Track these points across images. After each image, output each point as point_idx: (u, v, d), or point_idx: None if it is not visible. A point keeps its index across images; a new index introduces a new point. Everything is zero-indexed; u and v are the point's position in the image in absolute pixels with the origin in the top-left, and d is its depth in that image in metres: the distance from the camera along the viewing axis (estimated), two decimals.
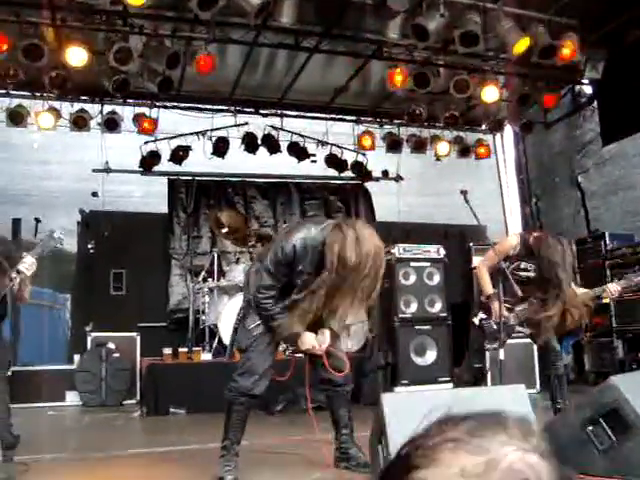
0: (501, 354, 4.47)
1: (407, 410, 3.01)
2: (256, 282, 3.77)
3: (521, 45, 7.62)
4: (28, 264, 4.04)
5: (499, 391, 3.47)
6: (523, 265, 4.89)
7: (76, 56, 7.61)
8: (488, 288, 4.93)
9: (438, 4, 7.21)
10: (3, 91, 9.13)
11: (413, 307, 7.64)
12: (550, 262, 4.60)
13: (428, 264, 7.79)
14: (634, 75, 8.52)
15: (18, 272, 4.01)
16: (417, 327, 7.60)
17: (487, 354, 6.35)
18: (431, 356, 7.60)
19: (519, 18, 7.82)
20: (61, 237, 4.24)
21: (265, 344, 3.84)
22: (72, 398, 8.15)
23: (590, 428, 3.54)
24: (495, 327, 4.88)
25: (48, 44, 7.56)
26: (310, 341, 3.77)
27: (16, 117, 9.12)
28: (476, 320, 5.11)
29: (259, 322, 3.80)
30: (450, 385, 7.30)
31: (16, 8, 7.28)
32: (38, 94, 9.25)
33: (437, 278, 7.79)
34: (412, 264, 7.70)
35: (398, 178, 11.47)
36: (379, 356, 7.70)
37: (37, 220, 7.84)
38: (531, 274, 4.87)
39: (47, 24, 7.62)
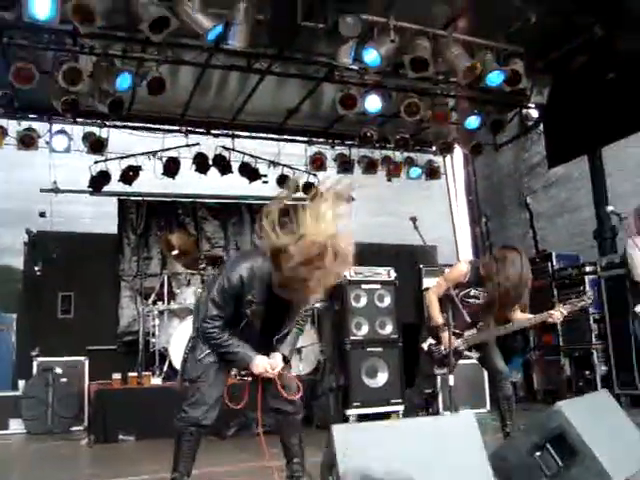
0: (451, 380, 4.52)
1: (358, 442, 3.03)
2: (202, 310, 3.76)
3: (470, 71, 7.79)
4: None
5: (448, 420, 3.50)
6: (473, 292, 4.95)
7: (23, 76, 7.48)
8: (437, 317, 4.97)
9: (388, 30, 7.35)
10: None
11: (364, 329, 7.64)
12: (504, 287, 4.69)
13: (379, 286, 7.82)
14: (578, 100, 8.79)
15: None
16: (368, 349, 7.60)
17: (438, 377, 6.43)
18: (382, 378, 7.60)
19: (468, 45, 8.00)
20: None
21: (215, 373, 3.80)
22: (16, 426, 7.89)
23: (538, 454, 3.59)
24: (444, 353, 4.94)
25: None
26: (263, 364, 3.76)
27: None
28: (425, 345, 5.16)
29: (208, 351, 3.77)
30: (402, 407, 7.35)
31: None
32: None
33: (388, 300, 7.82)
34: (363, 286, 7.72)
35: (350, 199, 11.49)
36: (330, 378, 7.69)
37: None
38: (480, 301, 4.94)
39: None
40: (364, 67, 7.85)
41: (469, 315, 4.69)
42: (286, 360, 3.91)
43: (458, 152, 11.96)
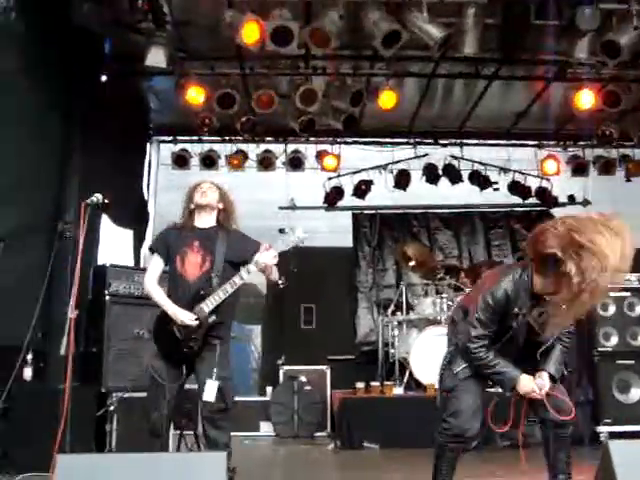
0: None
1: (637, 458, 2.82)
2: (466, 331, 3.68)
3: None
4: (269, 256, 4.30)
5: None
6: None
7: (265, 101, 8.01)
8: None
9: (630, 16, 6.84)
10: (196, 138, 9.81)
11: (613, 340, 7.19)
12: None
13: (629, 294, 7.32)
14: None
15: (257, 263, 4.26)
16: (619, 362, 7.13)
17: None
18: (636, 394, 7.09)
19: None
20: (304, 235, 4.43)
21: (471, 383, 3.74)
22: (266, 429, 8.43)
23: None
24: None
25: (239, 92, 8.04)
26: (529, 385, 3.62)
27: (208, 161, 9.76)
28: None
29: (464, 365, 3.72)
30: None
31: (210, 62, 7.85)
32: (227, 138, 9.83)
33: (639, 309, 7.30)
34: (611, 294, 7.26)
35: (586, 203, 10.92)
36: (577, 392, 7.29)
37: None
38: None
39: (237, 74, 8.12)
40: (602, 61, 7.38)
41: None
42: (554, 379, 3.72)
43: None
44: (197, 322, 4.25)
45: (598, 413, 7.05)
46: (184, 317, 4.26)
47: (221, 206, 4.57)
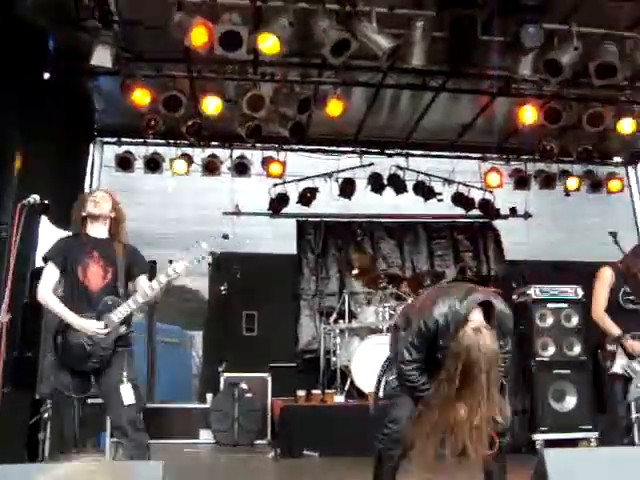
0: None
1: (570, 467, 2.88)
2: (400, 351, 3.69)
3: None
4: (180, 268, 4.29)
5: None
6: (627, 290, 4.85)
7: (211, 105, 7.94)
8: (613, 328, 4.83)
9: (571, 37, 7.04)
10: (141, 140, 9.67)
11: (551, 350, 7.36)
12: None
13: (565, 305, 7.52)
14: None
15: (168, 275, 4.28)
16: (555, 371, 7.30)
17: (633, 404, 5.98)
18: (571, 402, 7.27)
19: None
20: (209, 250, 4.44)
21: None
22: (206, 436, 8.31)
23: None
24: None
25: (185, 95, 7.95)
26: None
27: (153, 164, 9.63)
28: (618, 369, 4.83)
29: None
30: (593, 434, 6.98)
31: (157, 63, 7.75)
32: (172, 141, 9.71)
33: (575, 320, 7.50)
34: (549, 305, 7.46)
35: (527, 215, 11.17)
36: (515, 400, 7.42)
37: (170, 262, 8.15)
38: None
39: (184, 76, 8.04)
40: (544, 78, 7.56)
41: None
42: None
43: None
44: (108, 331, 4.23)
45: (534, 421, 7.20)
46: (93, 327, 4.24)
47: (113, 215, 4.58)
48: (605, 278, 4.98)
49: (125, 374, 4.21)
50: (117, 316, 4.27)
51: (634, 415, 4.86)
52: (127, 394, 4.16)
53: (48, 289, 4.39)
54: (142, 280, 4.48)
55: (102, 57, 6.70)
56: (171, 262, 4.44)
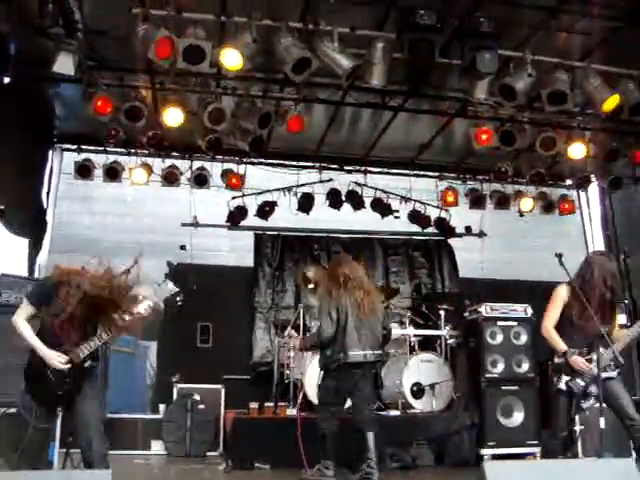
0: (602, 422, 4.32)
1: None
2: None
3: (611, 103, 7.53)
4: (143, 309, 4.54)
5: (606, 464, 3.36)
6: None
7: (173, 117, 7.97)
8: (559, 343, 4.95)
9: (525, 64, 7.27)
10: (101, 148, 9.63)
11: (500, 367, 7.51)
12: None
13: (515, 323, 7.68)
14: None
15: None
16: (504, 387, 7.45)
17: (577, 418, 6.14)
18: (518, 418, 7.40)
19: (607, 75, 7.76)
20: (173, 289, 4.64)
21: None
22: (157, 447, 8.25)
23: None
24: (583, 383, 4.80)
25: (147, 106, 7.96)
26: None
27: (112, 173, 9.59)
28: (562, 385, 4.97)
29: None
30: (539, 449, 7.13)
31: (120, 73, 7.74)
32: (132, 151, 9.69)
33: (524, 337, 7.66)
34: (499, 323, 7.62)
35: (481, 234, 11.40)
36: (464, 415, 7.56)
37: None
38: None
39: (146, 87, 8.05)
40: (500, 102, 7.77)
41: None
42: None
43: (593, 185, 11.53)
44: (69, 366, 4.36)
45: (483, 436, 7.31)
46: (56, 361, 4.36)
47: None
48: (560, 296, 5.11)
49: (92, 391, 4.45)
50: (83, 351, 4.40)
51: (577, 428, 4.99)
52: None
53: (22, 319, 4.53)
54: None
55: (64, 64, 6.68)
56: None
